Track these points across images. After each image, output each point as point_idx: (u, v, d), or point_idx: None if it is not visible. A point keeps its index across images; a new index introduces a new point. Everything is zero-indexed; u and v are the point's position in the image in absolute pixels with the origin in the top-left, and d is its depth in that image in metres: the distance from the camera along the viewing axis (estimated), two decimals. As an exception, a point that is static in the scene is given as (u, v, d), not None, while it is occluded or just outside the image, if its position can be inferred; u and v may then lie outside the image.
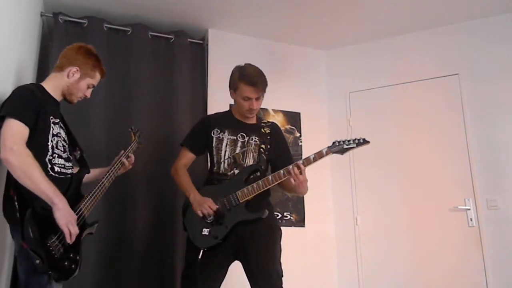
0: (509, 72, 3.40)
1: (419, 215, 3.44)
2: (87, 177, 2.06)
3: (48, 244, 1.64)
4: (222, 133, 2.43)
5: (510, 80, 3.38)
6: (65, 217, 1.68)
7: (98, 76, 2.09)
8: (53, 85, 1.97)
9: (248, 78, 2.34)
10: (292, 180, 2.19)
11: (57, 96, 1.98)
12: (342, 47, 3.99)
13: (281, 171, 2.22)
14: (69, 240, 1.71)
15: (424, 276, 3.34)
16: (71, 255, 1.76)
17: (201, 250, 2.27)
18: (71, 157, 2.00)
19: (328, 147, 2.23)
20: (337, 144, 2.22)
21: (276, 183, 2.24)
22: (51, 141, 1.84)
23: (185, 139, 2.54)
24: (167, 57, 3.48)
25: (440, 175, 3.44)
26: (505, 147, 3.32)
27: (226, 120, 2.48)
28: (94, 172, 2.14)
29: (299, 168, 2.18)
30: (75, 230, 1.71)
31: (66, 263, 1.72)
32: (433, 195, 3.43)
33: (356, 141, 2.21)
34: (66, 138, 1.99)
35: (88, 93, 2.08)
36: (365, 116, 3.78)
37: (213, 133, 2.44)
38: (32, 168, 1.65)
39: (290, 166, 2.20)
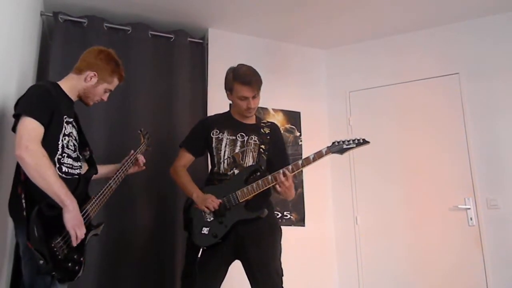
0: (509, 71, 3.39)
1: (419, 214, 3.44)
2: (96, 175, 2.07)
3: (53, 245, 1.64)
4: (221, 133, 2.44)
5: (510, 79, 3.38)
6: (73, 219, 1.69)
7: (116, 81, 2.10)
8: (70, 86, 1.98)
9: (242, 78, 2.35)
10: (277, 186, 2.22)
11: (72, 96, 1.99)
12: (342, 46, 3.99)
13: (280, 172, 2.23)
14: (75, 243, 1.72)
15: (424, 275, 3.34)
16: (75, 257, 1.76)
17: (201, 249, 2.27)
18: (80, 156, 2.00)
19: (328, 147, 2.23)
20: (337, 144, 2.22)
21: (276, 183, 2.24)
22: (62, 140, 1.84)
23: (184, 141, 2.55)
24: (167, 56, 3.48)
25: (440, 174, 3.44)
26: (505, 146, 3.31)
27: (225, 121, 2.49)
28: (102, 170, 2.14)
29: (284, 175, 2.20)
30: (81, 234, 1.73)
31: (69, 264, 1.72)
32: (433, 194, 3.43)
33: (356, 141, 2.22)
34: (77, 137, 1.99)
35: (105, 97, 2.09)
36: (365, 115, 3.78)
37: (213, 134, 2.45)
38: (46, 168, 1.65)
39: (281, 170, 2.21)
